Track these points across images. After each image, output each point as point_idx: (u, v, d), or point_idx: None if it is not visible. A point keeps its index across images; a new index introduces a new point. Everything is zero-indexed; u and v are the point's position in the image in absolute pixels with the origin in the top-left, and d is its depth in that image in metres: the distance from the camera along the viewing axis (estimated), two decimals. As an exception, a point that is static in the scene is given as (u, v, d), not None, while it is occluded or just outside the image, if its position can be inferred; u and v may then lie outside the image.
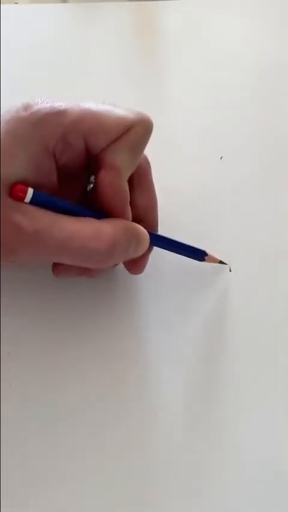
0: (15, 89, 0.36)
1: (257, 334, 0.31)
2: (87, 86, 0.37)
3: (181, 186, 0.34)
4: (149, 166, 0.29)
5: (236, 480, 0.28)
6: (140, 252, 0.27)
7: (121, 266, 0.30)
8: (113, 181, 0.26)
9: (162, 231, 0.30)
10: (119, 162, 0.26)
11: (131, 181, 0.27)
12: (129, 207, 0.27)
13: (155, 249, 0.30)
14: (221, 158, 0.35)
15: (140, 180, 0.28)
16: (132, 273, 0.30)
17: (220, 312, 0.31)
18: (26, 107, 0.24)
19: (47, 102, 0.25)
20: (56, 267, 0.29)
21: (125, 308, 0.31)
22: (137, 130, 0.26)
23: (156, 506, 0.28)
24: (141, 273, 0.30)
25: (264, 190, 0.34)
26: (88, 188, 0.29)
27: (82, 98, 0.33)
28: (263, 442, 0.29)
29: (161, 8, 0.41)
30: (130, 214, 0.27)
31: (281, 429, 0.29)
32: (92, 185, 0.28)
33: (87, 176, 0.28)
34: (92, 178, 0.28)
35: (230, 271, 0.32)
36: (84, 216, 0.25)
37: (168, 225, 0.32)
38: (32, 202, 0.24)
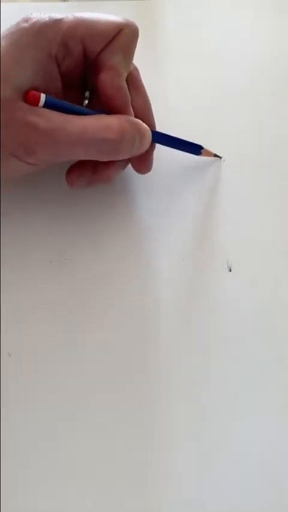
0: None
1: (256, 335, 0.31)
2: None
3: (181, 187, 0.34)
4: (138, 72, 0.31)
5: (236, 480, 0.28)
6: (145, 146, 0.30)
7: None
8: (113, 80, 0.28)
9: (163, 233, 0.30)
10: (116, 62, 0.28)
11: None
12: (130, 104, 0.29)
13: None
14: (221, 158, 0.35)
15: (133, 84, 0.30)
16: (142, 172, 0.32)
17: (219, 315, 0.31)
18: (26, 20, 0.27)
19: (44, 14, 0.27)
20: (70, 175, 0.30)
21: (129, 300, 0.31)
22: (127, 33, 0.28)
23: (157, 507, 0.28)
24: (149, 170, 0.32)
25: (264, 189, 0.34)
26: (84, 104, 0.31)
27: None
28: (263, 441, 0.29)
29: (161, 6, 0.40)
30: (132, 111, 0.29)
31: (280, 429, 0.29)
32: (87, 101, 0.31)
33: (83, 92, 0.30)
34: (87, 94, 0.31)
35: (230, 271, 0.32)
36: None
37: (169, 226, 0.32)
38: (45, 106, 0.26)
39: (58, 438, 0.28)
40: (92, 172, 0.30)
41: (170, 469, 0.28)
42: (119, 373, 0.30)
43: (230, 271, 0.32)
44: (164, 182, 0.34)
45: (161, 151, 0.33)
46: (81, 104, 0.31)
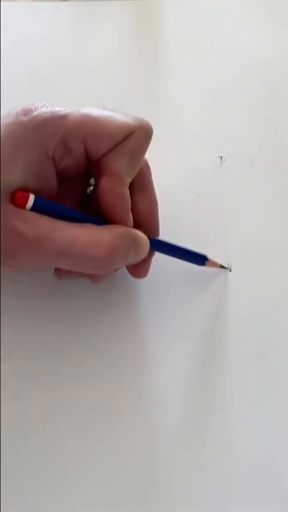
0: (15, 87, 0.36)
1: (257, 335, 0.31)
2: (88, 84, 0.37)
3: (181, 187, 0.34)
4: (149, 169, 0.29)
5: (234, 481, 0.28)
6: (140, 258, 0.27)
7: (123, 268, 0.30)
8: (114, 187, 0.26)
9: (162, 232, 0.30)
10: (120, 168, 0.26)
11: (131, 185, 0.27)
12: (130, 213, 0.27)
13: (157, 252, 0.30)
14: (221, 158, 0.35)
15: (140, 184, 0.28)
16: (136, 278, 0.30)
17: (219, 314, 0.31)
18: (26, 112, 0.24)
19: (47, 107, 0.25)
20: (59, 270, 0.29)
21: (125, 311, 0.31)
22: (138, 136, 0.26)
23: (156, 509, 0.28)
24: (144, 276, 0.30)
25: (264, 189, 0.34)
26: (88, 191, 0.29)
27: (82, 96, 0.33)
28: (262, 443, 0.29)
29: (162, 6, 0.40)
30: (131, 220, 0.27)
31: (280, 430, 0.29)
32: (92, 188, 0.28)
33: (87, 179, 0.28)
34: (92, 180, 0.28)
35: (230, 271, 0.32)
36: (85, 221, 0.26)
37: (169, 225, 0.32)
38: (33, 208, 0.24)
39: (58, 438, 0.28)
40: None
41: (170, 472, 0.28)
42: (120, 373, 0.30)
43: (230, 271, 0.32)
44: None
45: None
46: (84, 190, 0.29)
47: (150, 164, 0.29)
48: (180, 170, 0.34)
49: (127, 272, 0.30)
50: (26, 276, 0.31)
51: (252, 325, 0.31)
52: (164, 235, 0.30)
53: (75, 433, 0.29)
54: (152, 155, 0.33)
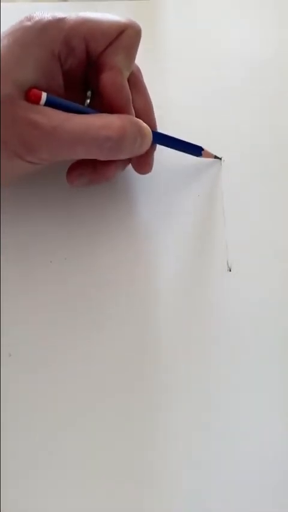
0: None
1: (257, 335, 0.31)
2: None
3: (181, 187, 0.34)
4: (141, 73, 0.31)
5: (236, 479, 0.28)
6: (146, 146, 0.30)
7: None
8: (115, 79, 0.28)
9: (163, 233, 0.30)
10: (118, 62, 0.28)
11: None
12: (131, 105, 0.29)
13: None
14: (221, 158, 0.35)
15: (134, 84, 0.30)
16: (142, 173, 0.32)
17: (219, 315, 0.31)
18: (29, 18, 0.27)
19: (47, 13, 0.27)
20: (70, 174, 0.30)
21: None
22: (129, 33, 0.28)
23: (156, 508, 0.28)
24: (149, 171, 0.32)
25: (264, 189, 0.34)
26: (86, 103, 0.30)
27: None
28: (262, 440, 0.29)
29: (162, 6, 0.40)
30: (133, 111, 0.29)
31: (281, 426, 0.29)
32: (88, 100, 0.31)
33: (85, 92, 0.30)
34: (89, 93, 0.31)
35: (230, 271, 0.32)
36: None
37: (169, 225, 0.32)
38: (46, 104, 0.26)
39: (58, 438, 0.28)
40: (92, 171, 0.30)
41: (170, 470, 0.28)
42: (120, 373, 0.30)
43: (230, 271, 0.32)
44: (164, 183, 0.34)
45: (162, 152, 0.33)
46: (83, 103, 0.31)
47: (153, 164, 0.32)
48: (180, 170, 0.35)
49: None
50: (27, 275, 0.31)
51: (252, 325, 0.31)
52: (163, 235, 0.30)
53: (75, 432, 0.29)
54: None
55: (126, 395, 0.29)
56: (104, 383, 0.29)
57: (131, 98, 0.29)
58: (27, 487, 0.28)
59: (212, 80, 0.38)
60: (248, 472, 0.28)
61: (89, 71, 0.30)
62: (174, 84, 0.37)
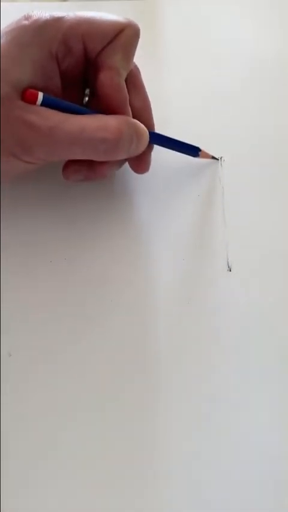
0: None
1: (257, 335, 0.31)
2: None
3: (181, 187, 0.34)
4: (139, 72, 0.31)
5: (236, 477, 0.28)
6: (142, 147, 0.30)
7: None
8: (112, 80, 0.28)
9: (163, 234, 0.30)
10: (116, 62, 0.28)
11: (125, 85, 0.29)
12: (128, 105, 0.29)
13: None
14: (221, 158, 0.35)
15: (133, 84, 0.30)
16: (139, 173, 0.32)
17: (219, 315, 0.31)
18: (27, 17, 0.27)
19: (45, 12, 0.27)
20: (66, 168, 0.30)
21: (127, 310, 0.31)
22: (128, 33, 0.28)
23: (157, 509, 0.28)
24: (146, 171, 0.32)
25: (264, 189, 0.34)
26: (84, 101, 0.30)
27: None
28: (262, 437, 0.29)
29: (162, 6, 0.40)
30: (130, 112, 0.29)
31: (282, 426, 0.29)
32: (87, 98, 0.31)
33: (83, 90, 0.30)
34: (87, 91, 0.31)
35: (230, 271, 0.32)
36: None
37: (169, 225, 0.32)
38: (43, 104, 0.26)
39: (58, 438, 0.28)
40: (88, 168, 0.30)
41: (170, 469, 0.28)
42: (120, 372, 0.30)
43: (230, 271, 0.32)
44: (163, 182, 0.34)
45: (161, 151, 0.33)
46: (81, 101, 0.31)
47: (150, 163, 0.32)
48: (180, 170, 0.35)
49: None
50: (26, 275, 0.31)
51: (253, 325, 0.31)
52: (163, 235, 0.30)
53: (75, 432, 0.29)
54: (152, 155, 0.33)
55: (126, 394, 0.29)
56: (104, 382, 0.29)
57: (128, 98, 0.29)
58: (27, 487, 0.28)
59: (212, 80, 0.38)
60: (247, 471, 0.28)
61: (87, 70, 0.30)
62: (174, 84, 0.37)
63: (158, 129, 0.32)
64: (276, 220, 0.33)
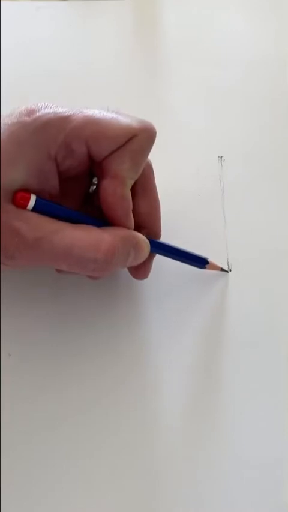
0: (15, 85, 0.36)
1: (257, 336, 0.31)
2: (87, 83, 0.37)
3: (181, 187, 0.34)
4: (152, 171, 0.29)
5: (237, 482, 0.28)
6: (140, 261, 0.27)
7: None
8: (116, 190, 0.26)
9: (163, 234, 0.30)
10: (122, 171, 0.26)
11: (133, 187, 0.27)
12: (131, 215, 0.27)
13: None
14: (221, 158, 0.35)
15: (143, 186, 0.28)
16: (137, 279, 0.30)
17: (219, 315, 0.31)
18: (29, 112, 0.24)
19: (50, 107, 0.25)
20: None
21: (126, 309, 0.31)
22: (140, 139, 0.26)
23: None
24: (145, 278, 0.30)
25: (264, 189, 0.34)
26: (91, 190, 0.29)
27: (81, 95, 0.33)
28: (264, 440, 0.29)
29: (162, 5, 0.40)
30: (132, 222, 0.27)
31: (281, 431, 0.29)
32: (94, 187, 0.28)
33: (90, 178, 0.28)
34: (95, 180, 0.28)
35: (230, 271, 0.32)
36: (86, 223, 0.25)
37: (169, 225, 0.32)
38: (34, 209, 0.24)
39: (58, 438, 0.28)
40: None
41: (170, 469, 0.28)
42: (120, 372, 0.30)
43: (230, 271, 0.32)
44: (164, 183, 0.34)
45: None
46: (87, 190, 0.29)
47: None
48: (180, 170, 0.34)
49: (128, 272, 0.30)
50: (26, 275, 0.31)
51: (253, 325, 0.31)
52: (164, 235, 0.30)
53: (75, 432, 0.29)
54: (152, 155, 0.33)
55: (126, 394, 0.29)
56: (104, 382, 0.29)
57: (131, 208, 0.27)
58: (28, 486, 0.28)
59: (212, 79, 0.38)
60: (247, 471, 0.28)
61: (92, 166, 0.27)
62: (174, 83, 0.37)
63: (159, 130, 0.32)
64: (276, 220, 0.33)
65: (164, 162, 0.34)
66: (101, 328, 0.31)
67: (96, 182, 0.28)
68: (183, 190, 0.34)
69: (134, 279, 0.30)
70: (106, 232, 0.25)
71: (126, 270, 0.30)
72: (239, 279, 0.32)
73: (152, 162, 0.32)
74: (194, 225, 0.33)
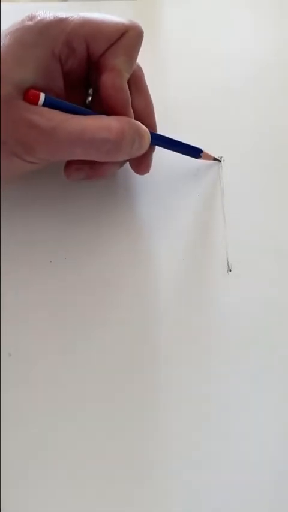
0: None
1: (256, 336, 0.31)
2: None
3: (181, 187, 0.34)
4: (143, 73, 0.31)
5: (236, 477, 0.28)
6: (144, 148, 0.30)
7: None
8: (114, 81, 0.28)
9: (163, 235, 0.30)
10: (119, 63, 0.28)
11: (128, 86, 0.29)
12: (130, 106, 0.29)
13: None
14: (221, 158, 0.35)
15: (136, 85, 0.31)
16: (140, 173, 0.32)
17: (219, 315, 0.31)
18: (31, 17, 0.27)
19: (49, 12, 0.27)
20: (68, 167, 0.30)
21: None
22: (131, 35, 0.28)
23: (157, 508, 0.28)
24: (147, 172, 0.32)
25: (264, 189, 0.34)
26: (87, 101, 0.31)
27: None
28: (263, 438, 0.29)
29: (162, 6, 0.40)
30: (132, 114, 0.29)
31: (281, 431, 0.29)
32: (90, 98, 0.31)
33: (86, 90, 0.31)
34: (90, 91, 0.31)
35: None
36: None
37: (169, 225, 0.32)
38: (44, 105, 0.26)
39: (58, 438, 0.29)
40: (89, 167, 0.30)
41: (170, 470, 0.28)
42: (119, 373, 0.30)
43: (230, 271, 0.32)
44: (164, 182, 0.34)
45: (162, 151, 0.33)
46: (84, 102, 0.31)
47: (151, 165, 0.32)
48: (180, 170, 0.35)
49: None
50: (26, 275, 0.31)
51: (253, 325, 0.31)
52: (164, 235, 0.30)
53: (75, 432, 0.29)
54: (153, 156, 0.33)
55: (126, 394, 0.29)
56: (104, 382, 0.29)
57: (130, 99, 0.29)
58: (27, 486, 0.28)
59: (212, 79, 0.38)
60: (247, 471, 0.28)
61: (90, 71, 0.30)
62: (174, 84, 0.37)
63: (159, 130, 0.33)
64: (276, 220, 0.33)
65: (164, 162, 0.34)
66: (102, 331, 0.30)
67: (91, 93, 0.31)
68: (183, 191, 0.34)
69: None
70: (113, 118, 0.28)
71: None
72: (238, 279, 0.32)
73: (150, 163, 0.32)
74: (194, 225, 0.33)
